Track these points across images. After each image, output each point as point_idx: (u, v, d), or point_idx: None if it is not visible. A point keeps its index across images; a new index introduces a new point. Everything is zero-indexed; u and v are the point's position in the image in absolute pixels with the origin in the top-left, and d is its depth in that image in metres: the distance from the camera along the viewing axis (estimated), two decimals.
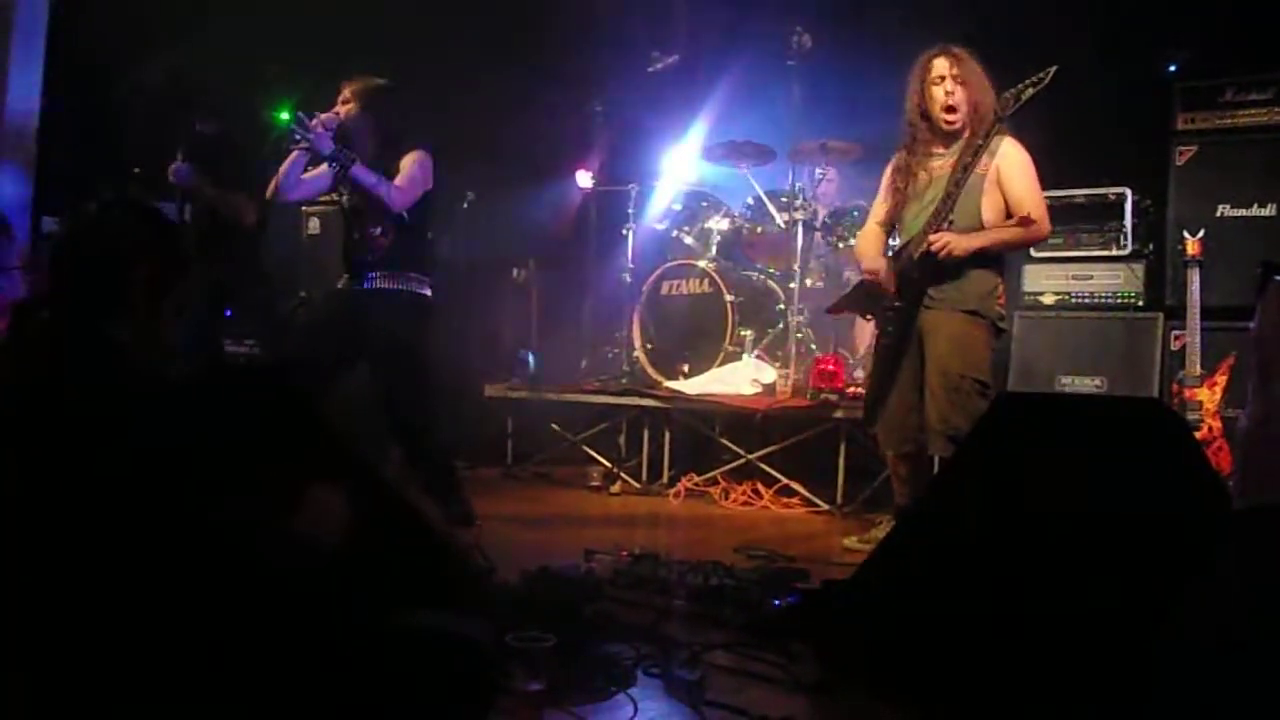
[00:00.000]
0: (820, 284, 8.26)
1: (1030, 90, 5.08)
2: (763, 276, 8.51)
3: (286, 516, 2.41)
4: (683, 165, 9.18)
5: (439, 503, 5.60)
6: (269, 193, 5.90)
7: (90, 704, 2.05)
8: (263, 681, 2.15)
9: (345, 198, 5.94)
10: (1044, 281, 7.39)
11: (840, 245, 8.08)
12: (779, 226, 8.34)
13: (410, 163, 5.79)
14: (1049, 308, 7.36)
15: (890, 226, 5.91)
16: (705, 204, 8.74)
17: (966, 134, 5.50)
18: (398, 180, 5.73)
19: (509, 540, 5.42)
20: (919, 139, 5.67)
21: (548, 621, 3.48)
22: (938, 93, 5.54)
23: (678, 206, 8.82)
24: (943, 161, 5.57)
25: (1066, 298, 7.31)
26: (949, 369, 5.38)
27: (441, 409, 6.13)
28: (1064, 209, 7.20)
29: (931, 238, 5.31)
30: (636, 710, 3.08)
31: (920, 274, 5.48)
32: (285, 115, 9.06)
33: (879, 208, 5.91)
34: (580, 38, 9.30)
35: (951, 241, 5.29)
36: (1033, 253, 7.35)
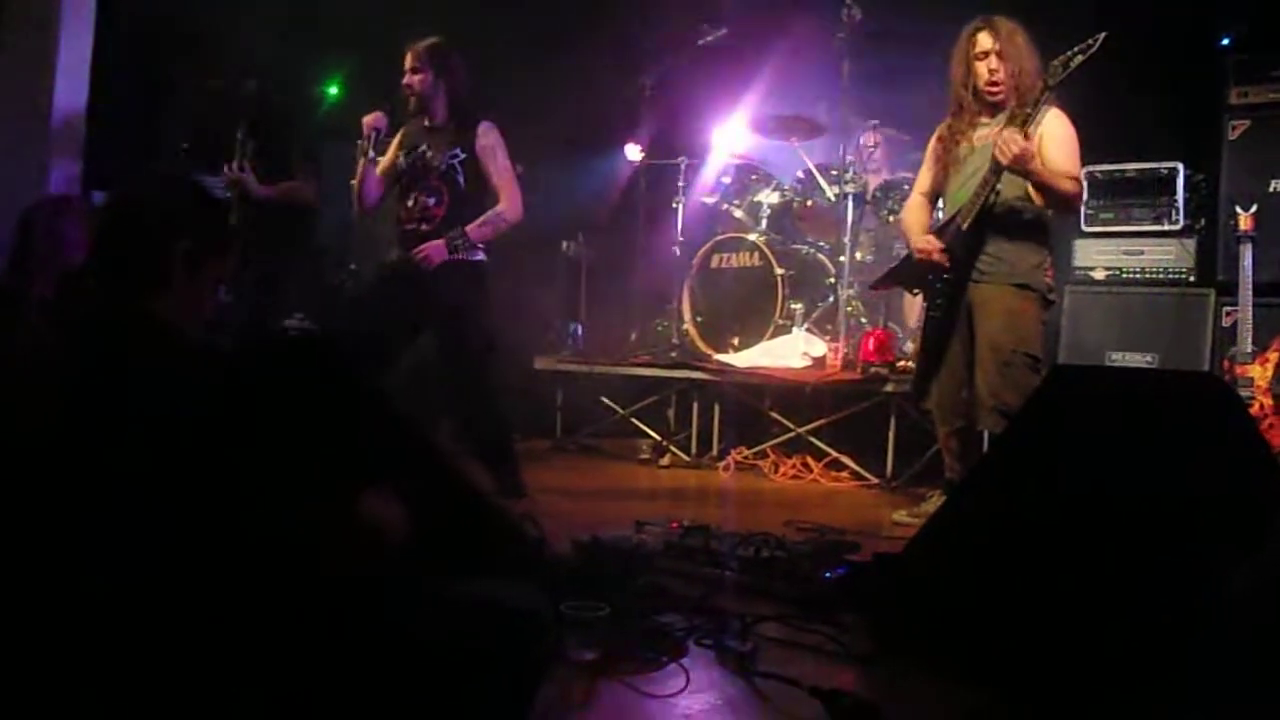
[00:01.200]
0: (870, 257, 8.25)
1: (1079, 57, 5.05)
2: (813, 250, 8.49)
3: (338, 493, 2.44)
4: (732, 138, 9.16)
5: (490, 474, 5.62)
6: (355, 209, 5.98)
7: (156, 669, 2.08)
8: (318, 652, 2.18)
9: (401, 160, 5.93)
10: (1095, 256, 7.33)
11: (890, 219, 8.05)
12: (829, 200, 8.33)
13: (493, 155, 5.85)
14: (1100, 283, 7.31)
15: (934, 197, 5.92)
16: (755, 177, 8.73)
17: (1011, 103, 5.48)
18: (501, 195, 5.84)
19: (559, 512, 5.44)
20: (965, 109, 5.67)
21: (600, 592, 3.52)
22: (981, 68, 5.53)
23: (727, 180, 8.81)
24: (986, 131, 5.56)
25: (1117, 273, 7.25)
26: (1000, 344, 5.37)
27: (499, 379, 6.13)
28: (1115, 183, 7.16)
29: (1005, 136, 5.20)
30: (689, 680, 3.10)
31: (969, 245, 5.46)
32: (334, 90, 9.12)
33: (924, 177, 5.94)
34: (630, 11, 9.29)
35: (1024, 151, 5.16)
36: (1084, 227, 7.31)
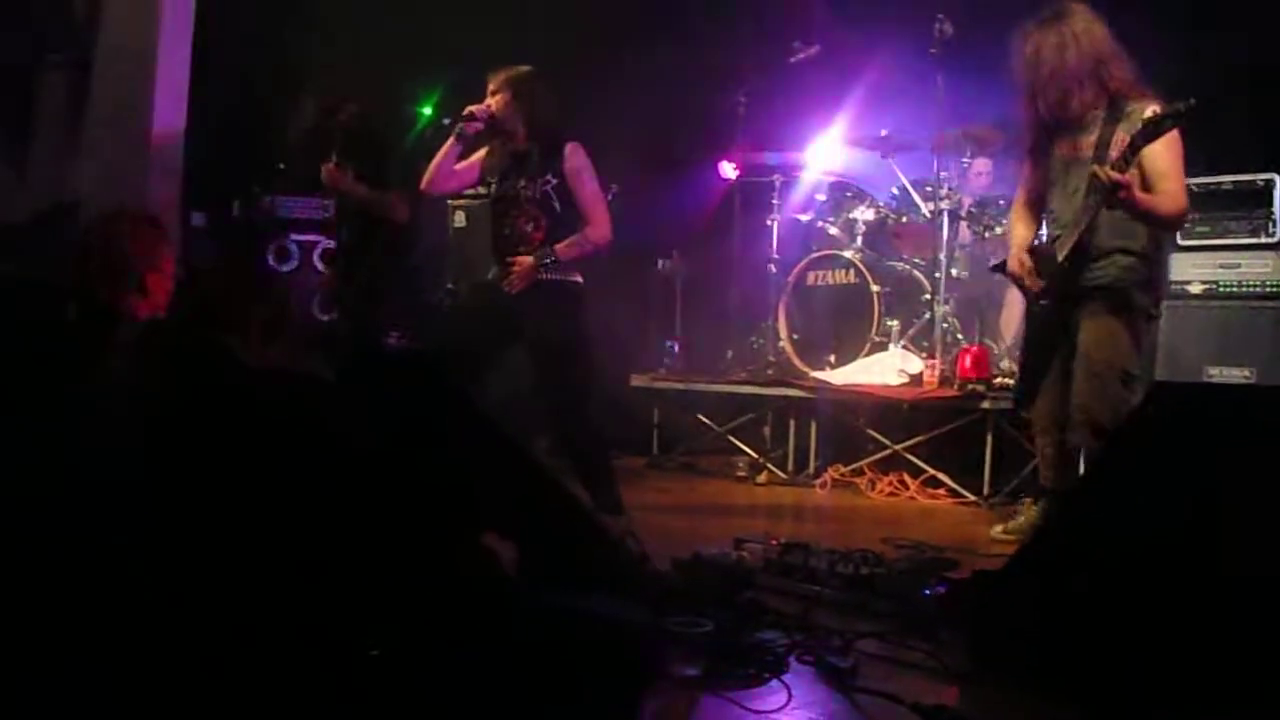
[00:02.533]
0: (966, 274, 8.22)
1: (1169, 122, 4.95)
2: (908, 267, 8.48)
3: (452, 512, 2.49)
4: (826, 155, 9.17)
5: (589, 491, 5.65)
6: (423, 184, 5.99)
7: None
8: (425, 659, 2.23)
9: (494, 189, 5.98)
10: (1191, 270, 7.24)
11: (986, 234, 8.03)
12: (924, 216, 8.33)
13: (580, 177, 5.78)
14: (1196, 297, 7.21)
15: (1038, 206, 5.82)
16: (849, 194, 8.74)
17: (1075, 101, 5.39)
18: (589, 219, 5.78)
19: (658, 529, 5.47)
20: (1041, 120, 5.60)
21: (702, 608, 3.55)
22: (1029, 81, 5.48)
23: (822, 197, 8.85)
24: (1084, 139, 5.44)
25: (1214, 287, 7.15)
26: (1093, 357, 5.33)
27: (595, 398, 6.16)
28: (1210, 196, 7.07)
29: (1111, 177, 5.01)
30: (790, 696, 3.11)
31: (1069, 271, 5.41)
32: (428, 110, 9.23)
33: (1026, 184, 5.84)
34: (722, 29, 9.34)
35: (1129, 193, 5.04)
36: (1180, 241, 7.23)
